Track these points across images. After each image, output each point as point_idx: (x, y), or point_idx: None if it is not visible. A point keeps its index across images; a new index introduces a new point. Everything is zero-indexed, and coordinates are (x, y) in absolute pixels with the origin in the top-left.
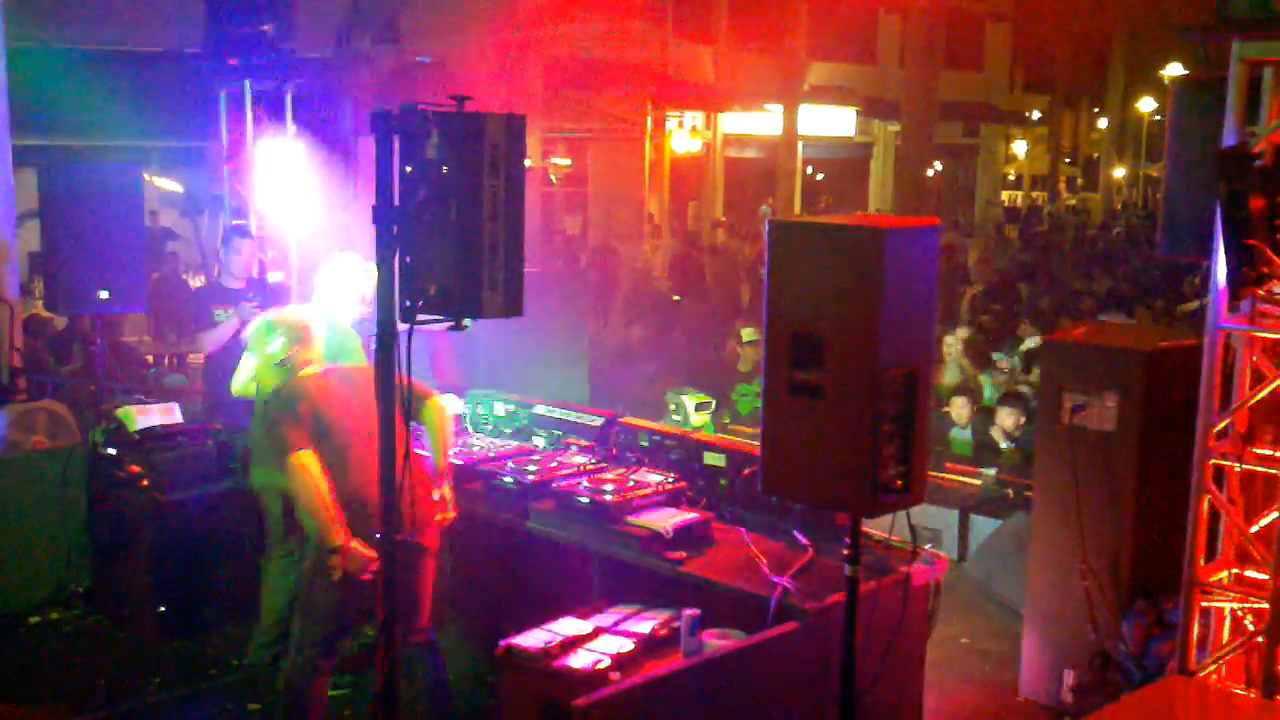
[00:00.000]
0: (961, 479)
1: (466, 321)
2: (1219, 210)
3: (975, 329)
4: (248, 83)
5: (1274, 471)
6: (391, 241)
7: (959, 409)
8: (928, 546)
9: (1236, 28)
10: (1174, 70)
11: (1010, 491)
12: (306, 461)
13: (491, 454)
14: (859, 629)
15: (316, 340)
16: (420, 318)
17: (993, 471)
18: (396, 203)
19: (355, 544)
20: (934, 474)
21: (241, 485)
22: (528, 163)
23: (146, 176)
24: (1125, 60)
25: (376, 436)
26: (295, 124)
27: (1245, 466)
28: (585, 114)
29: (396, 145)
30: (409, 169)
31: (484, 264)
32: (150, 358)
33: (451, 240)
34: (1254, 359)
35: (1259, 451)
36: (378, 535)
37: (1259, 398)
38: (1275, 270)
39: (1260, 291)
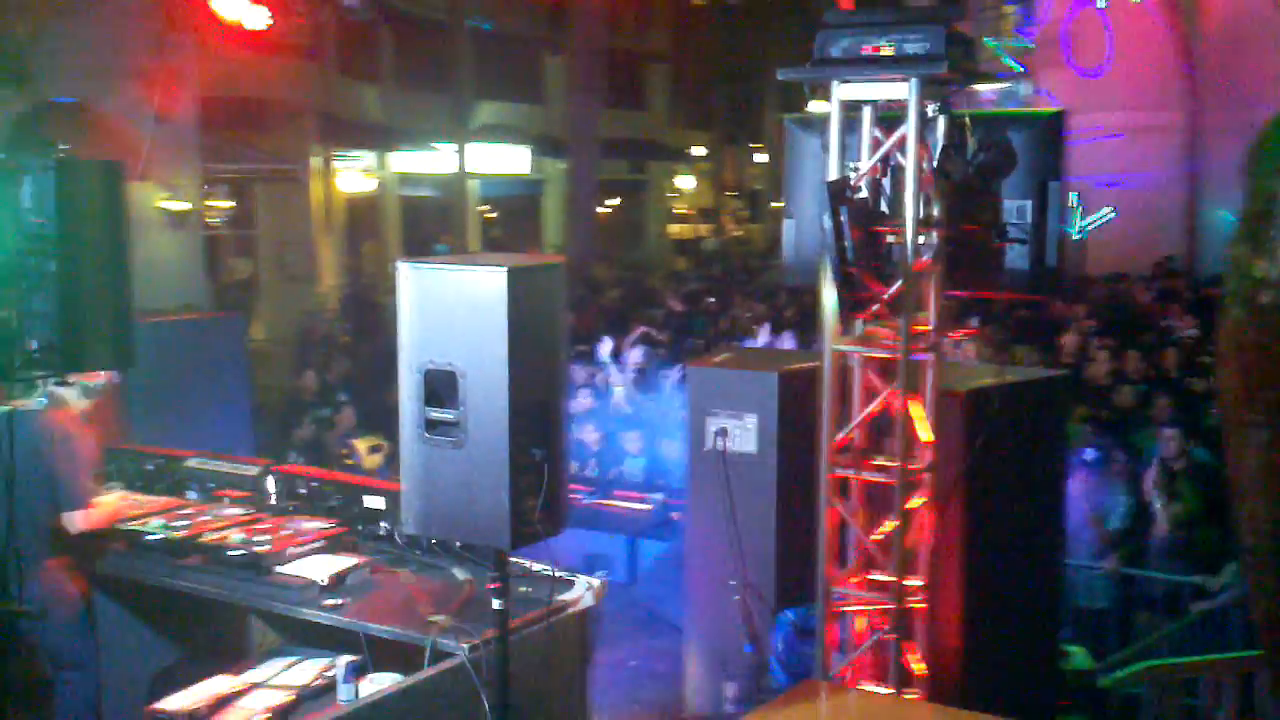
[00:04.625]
0: (630, 505)
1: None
2: (826, 240)
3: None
4: None
5: (891, 481)
6: None
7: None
8: (598, 573)
9: (832, 69)
10: (821, 108)
11: (677, 515)
12: None
13: (139, 511)
14: (515, 661)
15: None
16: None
17: (660, 496)
18: None
19: None
20: (603, 501)
21: None
22: (186, 206)
23: None
24: (778, 98)
25: None
26: None
27: (866, 477)
28: (249, 154)
29: None
30: (3, 219)
31: (87, 315)
32: None
33: (52, 293)
34: (867, 377)
35: (877, 463)
36: None
37: (871, 413)
38: (877, 296)
39: (867, 315)
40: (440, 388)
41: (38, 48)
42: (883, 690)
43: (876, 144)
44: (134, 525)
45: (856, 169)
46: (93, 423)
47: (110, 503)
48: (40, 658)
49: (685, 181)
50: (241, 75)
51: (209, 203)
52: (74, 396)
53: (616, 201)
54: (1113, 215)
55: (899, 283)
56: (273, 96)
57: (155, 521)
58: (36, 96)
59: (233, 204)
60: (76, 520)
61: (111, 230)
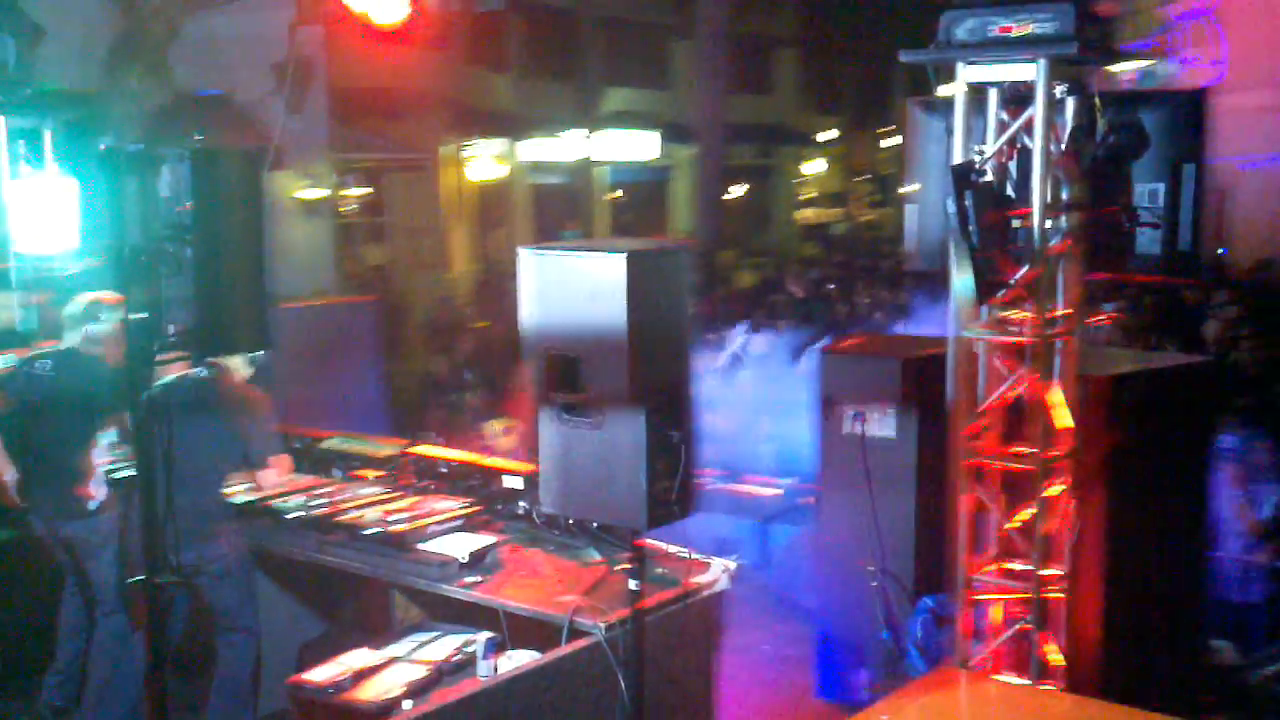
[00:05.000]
0: (760, 489)
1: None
2: (953, 225)
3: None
4: (2, 120)
5: (1029, 467)
6: (132, 281)
7: None
8: (728, 557)
9: (959, 52)
10: (949, 91)
11: (806, 499)
12: None
13: (281, 489)
14: (646, 641)
15: None
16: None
17: (791, 481)
18: (134, 241)
19: None
20: (733, 486)
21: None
22: (324, 193)
23: None
24: (908, 80)
25: None
26: (59, 161)
27: (1002, 464)
28: (380, 144)
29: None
30: (147, 206)
31: (228, 299)
32: None
33: (192, 278)
34: (999, 363)
35: (1015, 449)
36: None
37: (1005, 400)
38: (1008, 280)
39: (1000, 299)
40: (567, 372)
41: (177, 43)
42: (1020, 680)
43: (1003, 126)
44: (276, 502)
45: (982, 152)
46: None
47: (287, 460)
48: (204, 623)
49: (813, 166)
50: (373, 66)
51: (342, 192)
52: (239, 365)
53: (744, 187)
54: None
55: (1032, 267)
56: (404, 86)
57: (296, 499)
58: (176, 90)
59: (368, 191)
60: (268, 476)
61: (249, 217)
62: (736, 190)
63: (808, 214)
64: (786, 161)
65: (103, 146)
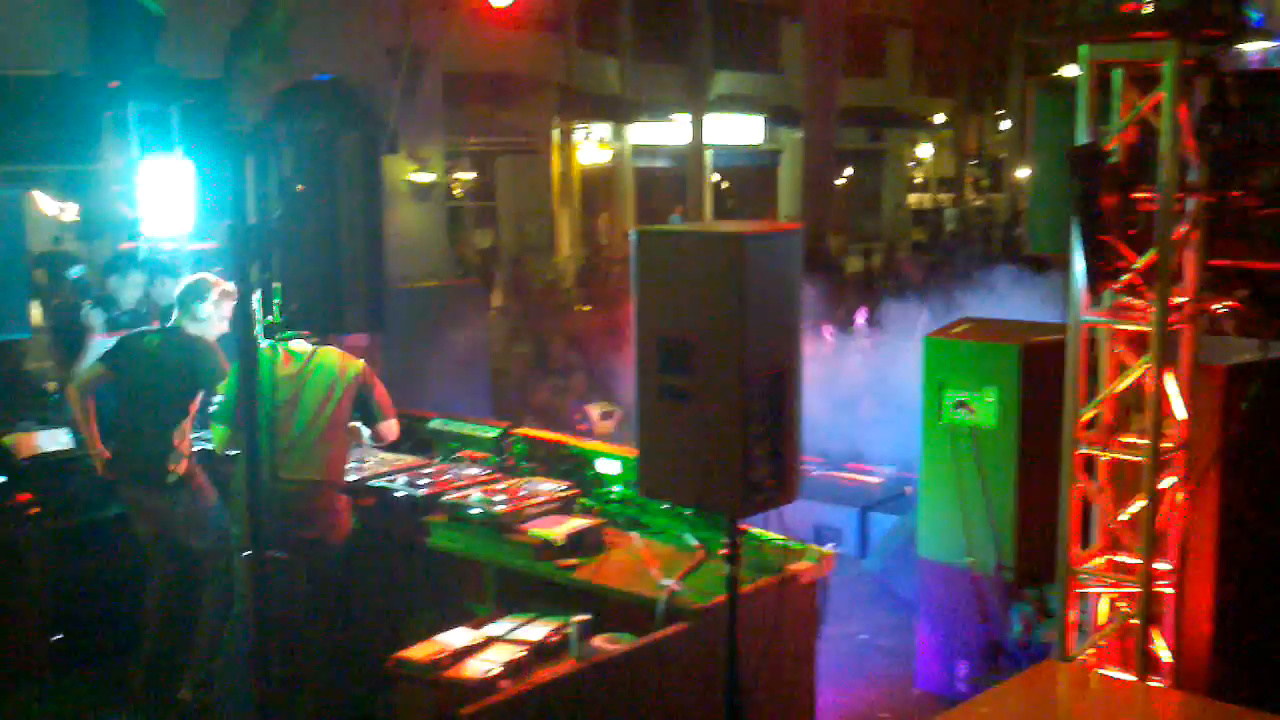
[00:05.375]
0: (861, 476)
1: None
2: (1074, 207)
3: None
4: (132, 104)
5: (1140, 459)
6: (250, 260)
7: None
8: (827, 545)
9: (1083, 31)
10: (1071, 72)
11: (908, 488)
12: None
13: (385, 468)
14: (743, 628)
15: None
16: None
17: (892, 469)
18: (254, 221)
19: None
20: (834, 473)
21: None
22: (434, 177)
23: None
24: (1024, 63)
25: None
26: (182, 145)
27: (1113, 455)
28: (490, 127)
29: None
30: (265, 187)
31: (343, 280)
32: (53, 384)
33: (310, 257)
34: (1116, 351)
35: (1126, 440)
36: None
37: (1122, 388)
38: (1130, 265)
39: (1118, 285)
40: (674, 355)
41: (297, 27)
42: (1125, 676)
43: (1128, 107)
44: (382, 482)
45: (1106, 133)
46: None
47: (396, 424)
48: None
49: (924, 150)
50: (485, 50)
51: (453, 175)
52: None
53: (850, 171)
54: None
55: (1153, 251)
56: (515, 71)
57: (401, 479)
58: (297, 74)
59: (475, 176)
60: (391, 430)
61: (367, 200)
62: (844, 174)
63: (918, 199)
64: (897, 145)
65: (226, 129)
